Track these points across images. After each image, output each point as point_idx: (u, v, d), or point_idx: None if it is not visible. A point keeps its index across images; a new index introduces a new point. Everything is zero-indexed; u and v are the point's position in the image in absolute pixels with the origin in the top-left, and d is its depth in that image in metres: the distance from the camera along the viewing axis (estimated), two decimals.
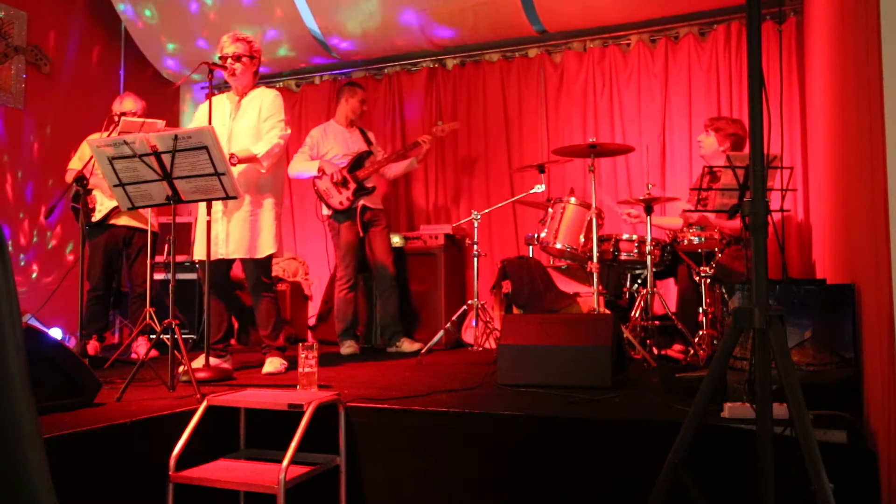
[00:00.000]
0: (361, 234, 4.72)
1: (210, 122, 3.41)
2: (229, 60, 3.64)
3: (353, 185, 4.68)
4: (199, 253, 3.58)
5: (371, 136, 5.01)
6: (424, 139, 4.88)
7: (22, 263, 5.27)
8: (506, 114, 5.59)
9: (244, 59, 3.68)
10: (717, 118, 4.34)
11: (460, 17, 5.30)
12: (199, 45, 5.87)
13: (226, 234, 3.62)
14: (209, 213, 3.34)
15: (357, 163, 4.75)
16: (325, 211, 4.78)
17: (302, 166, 4.77)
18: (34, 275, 5.34)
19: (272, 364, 3.67)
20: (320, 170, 4.67)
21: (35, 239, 5.40)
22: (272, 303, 3.77)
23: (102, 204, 4.54)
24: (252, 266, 3.70)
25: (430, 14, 5.30)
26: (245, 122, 3.69)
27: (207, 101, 3.54)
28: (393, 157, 4.95)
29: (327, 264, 5.87)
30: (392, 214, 5.71)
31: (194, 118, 3.88)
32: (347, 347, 4.59)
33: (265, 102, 3.71)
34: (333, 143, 4.81)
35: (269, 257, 3.75)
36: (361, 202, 4.71)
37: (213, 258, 3.53)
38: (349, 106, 4.88)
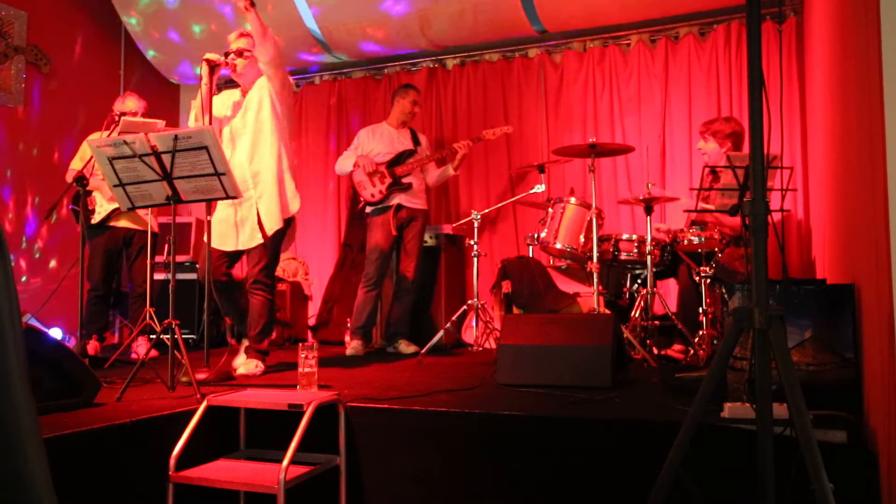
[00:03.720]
0: (395, 234, 4.72)
1: (211, 120, 3.41)
2: (231, 56, 3.58)
3: (388, 180, 4.70)
4: (215, 243, 3.57)
5: (422, 137, 5.01)
6: (460, 145, 4.79)
7: (16, 263, 5.27)
8: (506, 114, 5.58)
9: (246, 53, 3.62)
10: (709, 122, 4.29)
11: (460, 17, 5.30)
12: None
13: (235, 227, 3.58)
14: (209, 213, 3.34)
15: (397, 160, 4.78)
16: (367, 209, 4.81)
17: (344, 162, 4.87)
18: (24, 278, 5.33)
19: (247, 366, 3.56)
20: (356, 164, 4.74)
21: (36, 237, 5.40)
22: (266, 304, 3.66)
23: (102, 206, 4.54)
24: (256, 258, 3.61)
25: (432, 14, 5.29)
26: (250, 114, 3.61)
27: (222, 94, 3.52)
28: (434, 157, 4.92)
29: (329, 264, 5.89)
30: None
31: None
32: (353, 349, 4.53)
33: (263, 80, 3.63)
34: (378, 142, 4.83)
35: (277, 255, 3.70)
36: (397, 200, 4.72)
37: (227, 250, 3.58)
38: (399, 107, 4.90)
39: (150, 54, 6.05)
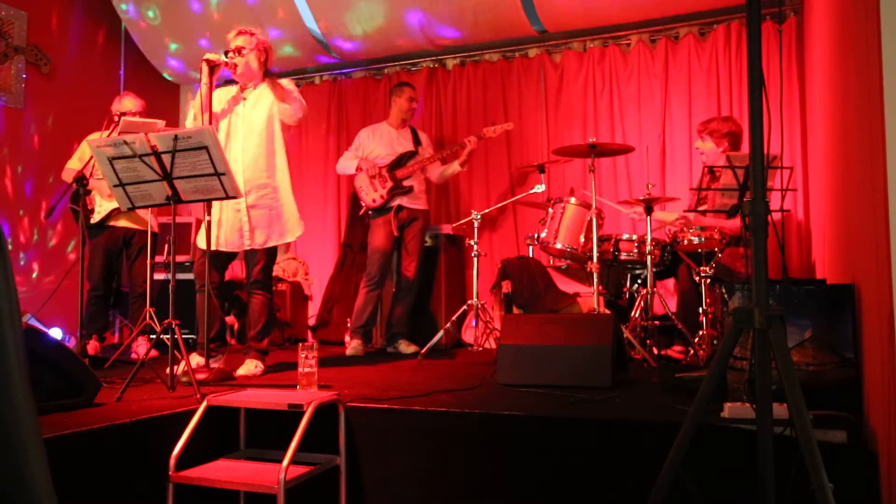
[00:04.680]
0: (396, 234, 4.72)
1: (210, 120, 3.41)
2: (230, 54, 3.58)
3: (389, 184, 4.71)
4: (202, 243, 3.56)
5: (423, 136, 5.02)
6: (470, 140, 4.81)
7: (22, 263, 5.27)
8: (506, 114, 5.58)
9: (245, 51, 3.62)
10: (707, 121, 4.30)
11: (460, 17, 5.30)
12: (202, 44, 5.86)
13: (249, 226, 3.58)
14: (209, 213, 3.34)
15: (398, 162, 4.78)
16: (368, 212, 4.83)
17: (346, 163, 4.90)
18: (34, 274, 5.33)
19: (247, 367, 3.56)
20: (358, 167, 4.75)
21: (35, 237, 5.40)
22: (265, 303, 3.68)
23: (101, 206, 4.54)
24: (255, 259, 3.63)
25: (432, 15, 5.30)
26: (258, 114, 3.63)
27: (218, 91, 3.52)
28: (435, 157, 4.91)
29: (329, 264, 5.89)
30: None
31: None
32: (353, 349, 4.53)
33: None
34: (378, 143, 4.84)
35: (274, 255, 3.73)
36: (398, 202, 4.73)
37: (236, 250, 3.60)
38: (397, 105, 4.92)
39: (171, 47, 6.02)
